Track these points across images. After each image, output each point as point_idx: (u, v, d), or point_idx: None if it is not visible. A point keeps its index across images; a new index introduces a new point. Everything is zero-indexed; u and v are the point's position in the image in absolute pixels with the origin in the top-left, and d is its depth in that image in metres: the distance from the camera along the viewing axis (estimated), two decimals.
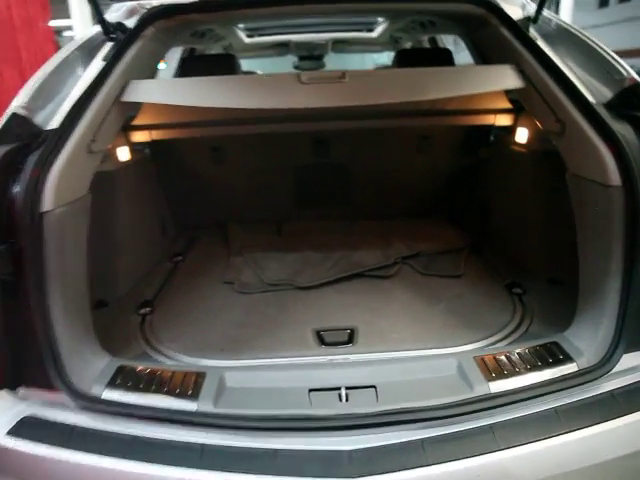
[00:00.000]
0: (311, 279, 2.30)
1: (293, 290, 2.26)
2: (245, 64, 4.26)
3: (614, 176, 1.53)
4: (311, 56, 4.34)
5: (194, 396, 1.43)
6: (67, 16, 7.11)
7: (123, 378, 1.51)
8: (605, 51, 1.90)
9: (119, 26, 1.93)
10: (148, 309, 2.11)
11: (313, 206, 3.00)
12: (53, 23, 6.14)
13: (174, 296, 2.26)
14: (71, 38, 5.43)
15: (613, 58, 1.86)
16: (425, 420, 1.33)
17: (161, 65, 3.56)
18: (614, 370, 1.47)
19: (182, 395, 1.44)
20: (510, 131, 2.46)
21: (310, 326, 1.92)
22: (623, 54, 1.84)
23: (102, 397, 1.44)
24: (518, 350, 1.60)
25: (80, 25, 6.91)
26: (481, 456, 1.28)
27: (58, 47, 5.58)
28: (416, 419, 1.33)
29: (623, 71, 1.80)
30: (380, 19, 3.65)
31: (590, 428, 1.35)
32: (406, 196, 2.94)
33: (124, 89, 1.82)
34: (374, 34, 3.83)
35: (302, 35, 3.96)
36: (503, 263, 2.40)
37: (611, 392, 1.44)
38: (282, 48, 4.23)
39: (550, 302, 2.00)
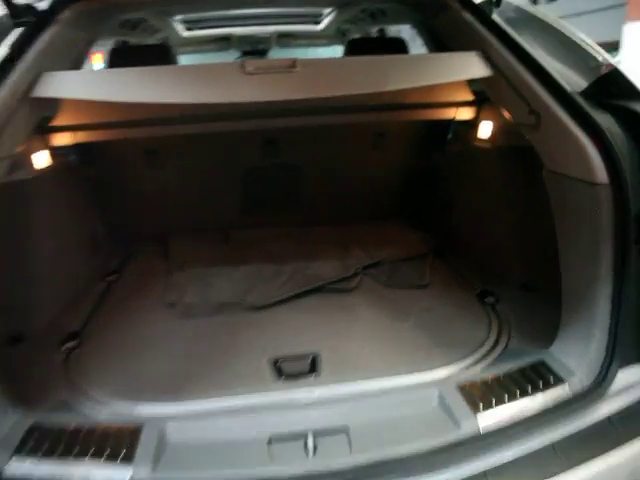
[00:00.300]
0: (264, 297, 2.04)
1: (244, 311, 2.00)
2: (184, 60, 3.97)
3: (601, 173, 1.36)
4: (255, 51, 4.07)
5: (128, 459, 1.16)
6: None
7: (36, 441, 1.22)
8: (576, 37, 1.75)
9: (29, 9, 1.65)
10: (73, 343, 1.80)
11: (263, 211, 2.74)
12: None
13: (106, 324, 1.95)
14: None
15: (586, 43, 1.71)
16: (408, 473, 1.12)
17: (97, 66, 3.23)
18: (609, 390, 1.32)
19: (112, 459, 1.16)
20: (473, 125, 2.29)
21: (266, 355, 1.67)
22: None
23: (4, 473, 1.14)
24: (503, 373, 1.43)
25: None
26: None
27: None
28: (398, 471, 1.12)
29: (598, 57, 1.65)
30: (327, 10, 3.43)
31: (589, 463, 1.19)
32: (363, 198, 2.72)
33: (35, 83, 1.53)
34: (320, 26, 3.61)
35: (245, 28, 3.69)
36: (471, 268, 2.22)
37: (608, 417, 1.29)
38: (224, 42, 3.93)
39: (527, 311, 1.83)
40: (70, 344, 1.78)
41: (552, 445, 1.20)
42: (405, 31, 3.33)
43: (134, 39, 3.16)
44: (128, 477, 1.13)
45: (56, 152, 2.19)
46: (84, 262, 2.33)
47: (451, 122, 2.44)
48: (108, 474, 1.14)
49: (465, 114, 2.31)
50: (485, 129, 2.20)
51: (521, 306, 1.88)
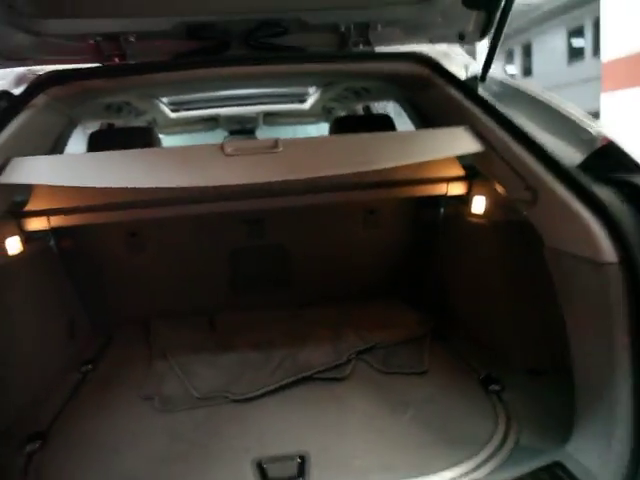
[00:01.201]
0: (250, 388, 1.88)
1: (228, 404, 1.83)
2: (172, 141, 3.97)
3: (609, 251, 1.27)
4: (242, 130, 4.11)
5: None
6: None
7: None
8: (565, 109, 1.71)
9: (4, 95, 1.65)
10: (38, 443, 1.62)
11: (251, 294, 2.61)
12: None
13: (76, 422, 1.77)
14: None
15: (577, 117, 1.67)
16: None
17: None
18: None
19: None
20: (465, 200, 2.22)
21: (249, 456, 1.50)
22: None
23: None
24: (513, 477, 1.26)
25: None
26: None
27: None
28: None
29: (592, 130, 1.60)
30: (311, 90, 3.47)
31: None
32: (354, 276, 2.61)
33: (3, 168, 1.48)
34: (306, 105, 3.64)
35: (232, 108, 3.72)
36: (472, 351, 2.07)
37: None
38: (211, 122, 3.96)
39: (536, 400, 1.67)
40: (32, 446, 1.61)
41: None
42: (392, 105, 3.35)
43: (120, 121, 3.16)
44: None
45: (31, 236, 2.09)
46: (59, 351, 2.18)
47: (443, 198, 2.38)
48: None
49: (457, 189, 2.26)
50: (478, 204, 2.12)
51: (529, 394, 1.72)
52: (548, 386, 1.70)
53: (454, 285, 2.36)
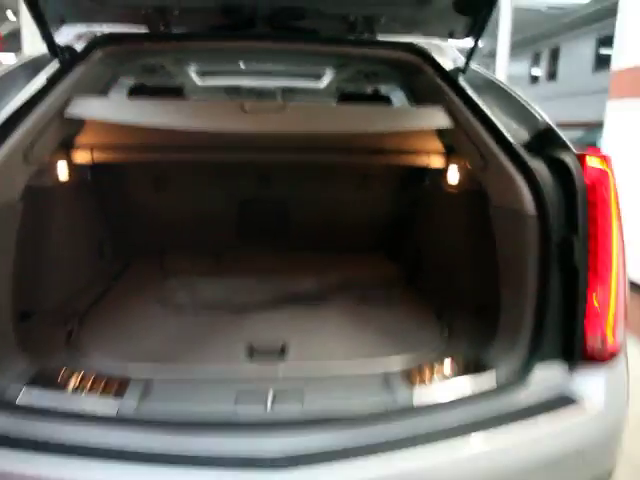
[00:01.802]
0: (245, 302, 2.32)
1: (227, 313, 2.26)
2: None
3: (531, 207, 1.66)
4: None
5: (119, 395, 1.44)
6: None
7: (42, 381, 1.49)
8: (523, 100, 2.10)
9: (67, 48, 1.99)
10: (75, 323, 2.07)
11: (253, 239, 3.05)
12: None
13: (104, 312, 2.23)
14: None
15: (530, 106, 2.05)
16: (349, 426, 1.36)
17: None
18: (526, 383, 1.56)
19: (104, 397, 1.43)
20: (442, 173, 2.62)
21: (242, 343, 1.93)
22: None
23: (17, 400, 1.40)
24: (441, 364, 1.68)
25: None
26: (401, 464, 1.31)
27: None
28: (339, 425, 1.36)
29: (538, 117, 1.99)
30: (328, 70, 3.85)
31: (498, 434, 1.43)
32: (344, 232, 3.05)
33: (66, 104, 1.86)
34: (321, 84, 4.02)
35: (253, 81, 4.10)
36: (435, 295, 2.49)
37: (524, 401, 1.52)
38: (233, 92, 4.36)
39: (475, 325, 2.08)
40: (71, 323, 2.05)
41: (472, 421, 1.44)
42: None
43: (152, 82, 3.58)
44: (116, 410, 1.39)
45: (75, 168, 2.51)
46: (90, 263, 2.63)
47: (425, 170, 2.78)
48: (102, 404, 1.41)
49: (436, 162, 2.66)
50: (451, 175, 2.53)
51: (472, 322, 2.13)
52: (487, 317, 2.09)
53: (426, 245, 2.79)
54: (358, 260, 2.93)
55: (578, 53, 19.67)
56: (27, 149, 1.66)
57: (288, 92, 4.29)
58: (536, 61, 23.25)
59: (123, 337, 2.00)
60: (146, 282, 2.61)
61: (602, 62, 17.67)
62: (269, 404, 1.44)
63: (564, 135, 1.83)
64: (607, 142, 6.28)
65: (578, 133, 13.89)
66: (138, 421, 1.36)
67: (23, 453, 1.26)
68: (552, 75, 21.71)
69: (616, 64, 6.54)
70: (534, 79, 23.36)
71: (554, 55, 21.62)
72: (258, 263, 2.81)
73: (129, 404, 1.42)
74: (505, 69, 14.87)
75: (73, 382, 1.50)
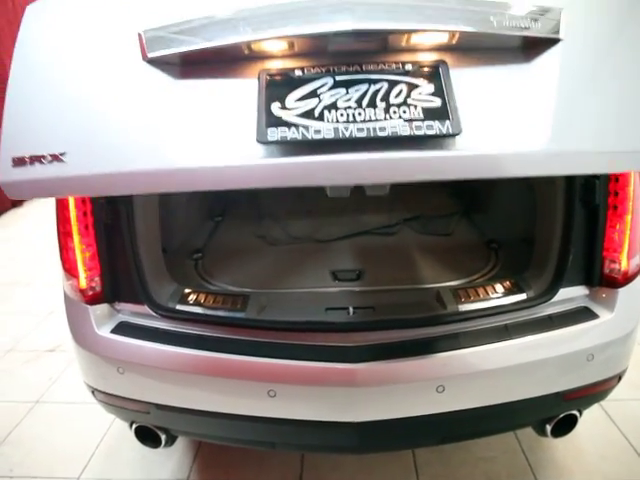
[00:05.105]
0: (328, 235, 2.82)
1: (314, 243, 2.78)
2: None
3: None
4: None
5: (242, 309, 2.00)
6: None
7: (188, 297, 2.07)
8: None
9: None
10: (199, 255, 2.65)
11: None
12: None
13: (218, 246, 2.80)
14: None
15: None
16: (408, 324, 1.87)
17: None
18: (554, 300, 1.95)
19: (233, 309, 2.00)
20: None
21: (327, 268, 2.43)
22: None
23: (175, 308, 2.00)
24: (485, 284, 2.12)
25: None
26: (449, 352, 1.80)
27: None
28: (402, 326, 1.87)
29: None
30: None
31: (528, 337, 1.86)
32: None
33: None
34: None
35: None
36: (487, 226, 2.87)
37: (549, 315, 1.95)
38: None
39: (518, 255, 2.46)
40: (196, 256, 2.64)
41: (505, 325, 1.89)
42: None
43: None
44: (243, 316, 1.96)
45: None
46: (200, 207, 3.20)
47: None
48: (232, 314, 1.98)
49: None
50: None
51: (515, 251, 2.52)
52: (530, 249, 2.48)
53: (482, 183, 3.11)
54: (421, 194, 3.33)
55: None
56: None
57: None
58: None
59: (236, 264, 2.55)
60: (245, 221, 3.15)
61: None
62: (351, 312, 1.96)
63: None
64: None
65: None
66: (262, 321, 1.93)
67: (182, 344, 1.87)
68: None
69: None
70: None
71: None
72: (337, 202, 3.26)
73: (251, 314, 1.96)
74: None
75: (210, 299, 2.06)
